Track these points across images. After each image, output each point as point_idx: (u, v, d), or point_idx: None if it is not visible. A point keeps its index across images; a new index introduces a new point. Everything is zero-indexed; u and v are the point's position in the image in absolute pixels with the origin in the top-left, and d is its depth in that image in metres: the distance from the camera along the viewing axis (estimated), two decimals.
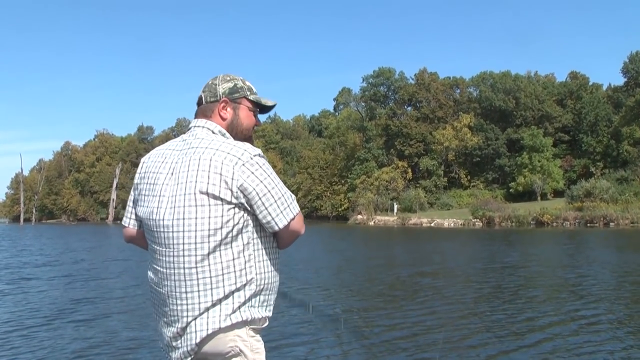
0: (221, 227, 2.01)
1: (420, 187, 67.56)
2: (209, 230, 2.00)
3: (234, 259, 2.04)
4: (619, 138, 64.36)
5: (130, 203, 2.29)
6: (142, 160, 2.27)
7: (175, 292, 2.06)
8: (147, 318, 8.72)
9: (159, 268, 2.11)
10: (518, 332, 7.67)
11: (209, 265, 2.02)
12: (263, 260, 2.12)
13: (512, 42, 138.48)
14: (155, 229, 2.10)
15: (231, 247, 2.04)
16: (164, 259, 2.08)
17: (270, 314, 2.16)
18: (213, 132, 2.16)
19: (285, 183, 2.14)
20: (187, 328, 2.04)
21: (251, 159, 2.03)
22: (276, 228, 2.08)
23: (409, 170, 70.79)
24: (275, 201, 2.05)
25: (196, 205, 2.01)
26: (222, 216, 2.01)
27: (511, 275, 14.33)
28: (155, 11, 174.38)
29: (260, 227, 2.11)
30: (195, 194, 2.01)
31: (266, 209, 2.04)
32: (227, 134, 2.19)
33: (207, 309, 2.02)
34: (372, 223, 60.17)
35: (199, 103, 2.25)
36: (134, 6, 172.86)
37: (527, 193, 64.87)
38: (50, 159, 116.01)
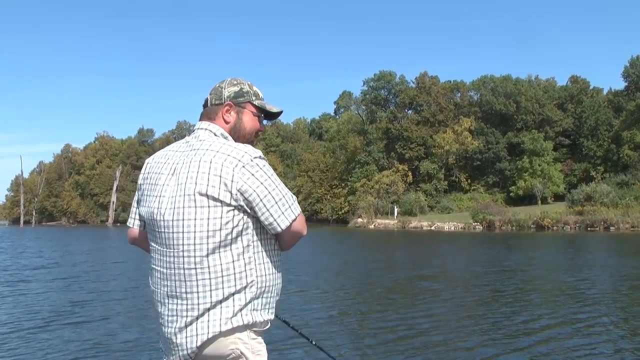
0: (220, 229, 2.01)
1: (420, 191, 67.56)
2: (207, 231, 2.00)
3: (233, 261, 2.03)
4: (620, 142, 64.38)
5: (134, 204, 2.30)
6: (147, 161, 2.28)
7: (175, 292, 2.06)
8: (145, 320, 8.73)
9: (160, 268, 2.11)
10: (517, 335, 7.67)
11: (208, 266, 2.01)
12: (264, 263, 2.11)
13: (513, 46, 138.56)
14: (156, 229, 2.11)
15: (230, 249, 2.03)
16: (164, 259, 2.09)
17: (272, 316, 2.16)
18: (215, 135, 2.17)
19: (285, 186, 2.13)
20: (187, 330, 2.04)
21: (251, 160, 2.03)
22: (278, 229, 2.08)
23: (410, 173, 70.81)
24: (277, 202, 2.05)
25: (195, 207, 2.01)
26: (221, 218, 2.00)
27: (511, 278, 14.31)
28: (156, 14, 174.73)
29: (260, 229, 2.10)
30: (194, 195, 2.01)
31: (268, 210, 2.04)
32: (229, 137, 2.19)
33: (207, 310, 2.02)
34: (372, 226, 60.14)
35: (205, 105, 2.27)
36: (135, 9, 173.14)
37: (528, 197, 64.87)
38: (50, 162, 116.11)
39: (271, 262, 2.15)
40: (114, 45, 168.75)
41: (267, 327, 2.14)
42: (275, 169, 2.14)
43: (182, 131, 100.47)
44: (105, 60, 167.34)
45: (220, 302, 2.02)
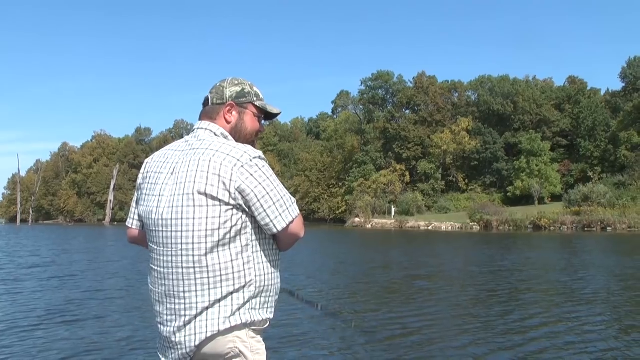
0: (218, 228, 2.00)
1: (418, 191, 67.69)
2: (206, 230, 2.00)
3: (232, 260, 2.03)
4: (617, 143, 64.55)
5: (133, 204, 2.30)
6: (146, 161, 2.27)
7: (173, 291, 2.06)
8: (140, 319, 8.72)
9: (158, 267, 2.11)
10: (510, 334, 7.66)
11: (207, 265, 2.01)
12: (263, 262, 2.11)
13: (510, 46, 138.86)
14: (154, 228, 2.10)
15: (229, 249, 2.03)
16: (162, 258, 2.08)
17: (271, 315, 2.16)
18: (215, 135, 2.17)
19: (284, 186, 2.13)
20: (186, 329, 2.04)
21: (250, 160, 2.03)
22: (274, 230, 2.07)
23: (407, 173, 70.90)
24: (274, 203, 2.04)
25: (194, 206, 2.01)
26: (219, 217, 2.00)
27: (506, 278, 14.30)
28: (153, 13, 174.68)
29: (260, 229, 2.10)
30: (193, 194, 2.01)
31: (264, 211, 2.04)
32: (230, 137, 2.19)
33: (206, 309, 2.02)
34: (369, 226, 60.18)
35: (205, 104, 2.26)
36: (132, 8, 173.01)
37: (525, 197, 64.99)
38: (47, 160, 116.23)
39: (270, 261, 2.14)
40: (111, 44, 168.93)
41: (266, 326, 2.14)
42: (272, 169, 2.13)
43: (179, 130, 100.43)
44: (102, 59, 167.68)
45: (219, 301, 2.02)
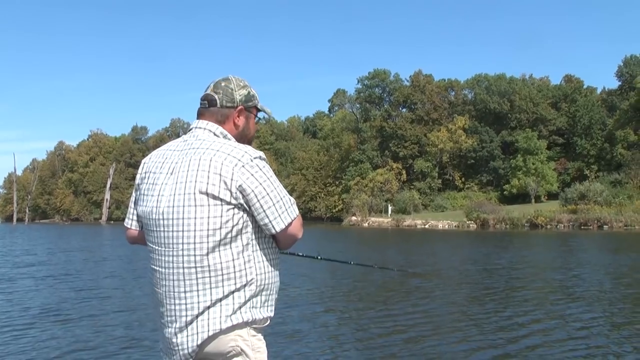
0: (220, 228, 2.00)
1: (414, 189, 67.66)
2: (207, 230, 2.00)
3: (233, 260, 2.03)
4: (613, 141, 64.72)
5: (131, 204, 2.29)
6: (143, 161, 2.26)
7: (174, 291, 2.05)
8: (135, 318, 8.73)
9: (158, 268, 2.10)
10: (506, 332, 7.69)
11: (209, 265, 2.01)
12: (263, 261, 2.11)
13: (507, 45, 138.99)
14: (154, 229, 2.10)
15: (230, 248, 2.03)
16: (162, 258, 2.08)
17: (272, 313, 2.17)
18: (215, 134, 2.16)
19: (282, 186, 2.13)
20: (188, 329, 2.04)
21: (251, 160, 2.04)
22: (273, 231, 2.08)
23: (404, 171, 70.92)
24: (274, 204, 2.05)
25: (195, 205, 2.01)
26: (221, 216, 2.00)
27: (503, 276, 14.32)
28: (149, 12, 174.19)
29: (260, 228, 2.10)
30: (194, 194, 2.01)
31: (264, 211, 2.04)
32: (229, 136, 2.18)
33: (207, 308, 2.02)
34: (366, 224, 60.26)
35: (211, 103, 2.20)
36: (128, 7, 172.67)
37: (521, 195, 65.11)
38: (43, 159, 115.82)
39: (270, 260, 2.15)
40: (107, 42, 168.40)
41: (267, 324, 2.15)
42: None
43: (175, 129, 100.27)
44: (98, 57, 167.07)
45: (220, 300, 2.02)
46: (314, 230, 45.04)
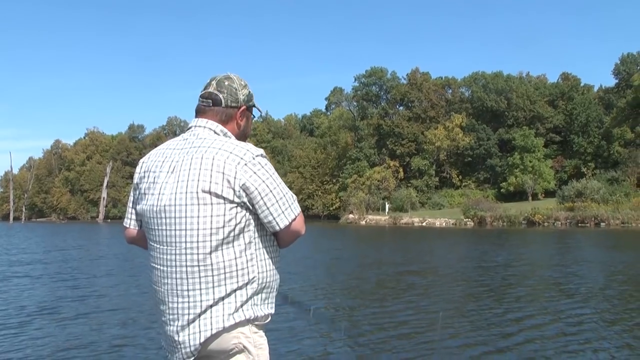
0: (223, 226, 2.01)
1: (411, 187, 67.76)
2: (211, 229, 2.00)
3: (236, 258, 2.04)
4: (610, 139, 64.83)
5: (130, 204, 2.28)
6: (142, 160, 2.25)
7: (177, 289, 2.05)
8: (131, 316, 8.70)
9: (159, 266, 2.10)
10: (504, 330, 7.69)
11: (211, 263, 2.01)
12: (265, 259, 2.13)
13: (504, 42, 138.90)
14: (156, 227, 2.09)
15: (233, 246, 2.04)
16: (164, 257, 2.07)
17: (272, 310, 2.18)
18: (215, 132, 2.15)
19: (284, 183, 2.13)
20: (190, 327, 2.04)
21: (253, 158, 2.04)
22: (277, 228, 2.09)
23: (401, 169, 70.96)
24: (277, 201, 2.05)
25: (198, 204, 2.00)
26: (224, 215, 2.00)
27: (500, 274, 14.32)
28: (146, 10, 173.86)
29: (261, 226, 2.11)
30: (197, 192, 2.00)
31: (268, 209, 2.05)
32: (229, 134, 2.18)
33: (210, 307, 2.02)
34: (363, 222, 60.26)
35: (217, 103, 2.18)
36: (125, 5, 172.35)
37: (518, 193, 65.22)
38: (40, 157, 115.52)
39: (271, 258, 2.16)
40: (103, 41, 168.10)
41: (268, 320, 2.17)
42: None
43: (172, 127, 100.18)
44: (95, 56, 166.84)
45: (223, 298, 2.03)
46: (311, 229, 44.92)
